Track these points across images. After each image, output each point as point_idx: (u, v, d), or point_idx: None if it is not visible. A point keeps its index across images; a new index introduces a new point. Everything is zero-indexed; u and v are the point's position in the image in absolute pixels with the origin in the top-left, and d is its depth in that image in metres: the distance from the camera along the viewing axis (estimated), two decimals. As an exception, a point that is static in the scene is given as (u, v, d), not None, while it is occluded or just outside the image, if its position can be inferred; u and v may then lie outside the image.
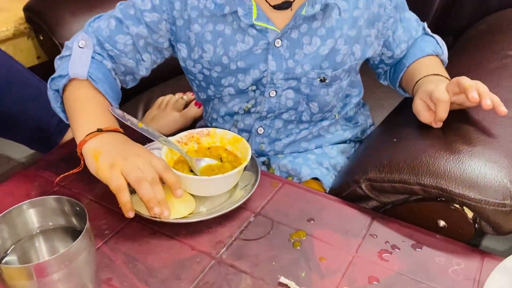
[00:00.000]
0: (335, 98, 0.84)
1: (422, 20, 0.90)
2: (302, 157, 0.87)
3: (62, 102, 0.75)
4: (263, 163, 0.88)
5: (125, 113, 0.71)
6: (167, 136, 0.72)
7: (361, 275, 0.60)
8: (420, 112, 0.74)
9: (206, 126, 0.89)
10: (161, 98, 1.16)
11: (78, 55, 0.73)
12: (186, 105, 1.14)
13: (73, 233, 0.53)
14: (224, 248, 0.63)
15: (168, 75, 1.29)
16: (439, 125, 0.72)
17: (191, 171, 0.70)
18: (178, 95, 1.15)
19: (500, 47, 0.95)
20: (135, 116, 1.18)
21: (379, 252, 0.63)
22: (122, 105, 1.24)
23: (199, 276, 0.59)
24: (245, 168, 0.72)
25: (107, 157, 0.63)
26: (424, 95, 0.74)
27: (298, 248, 0.63)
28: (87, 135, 0.65)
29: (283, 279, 0.58)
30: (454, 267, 0.61)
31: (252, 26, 0.74)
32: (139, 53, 0.78)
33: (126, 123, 0.70)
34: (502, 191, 0.62)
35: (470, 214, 0.64)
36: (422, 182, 0.65)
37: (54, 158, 0.80)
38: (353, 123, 0.93)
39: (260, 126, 0.85)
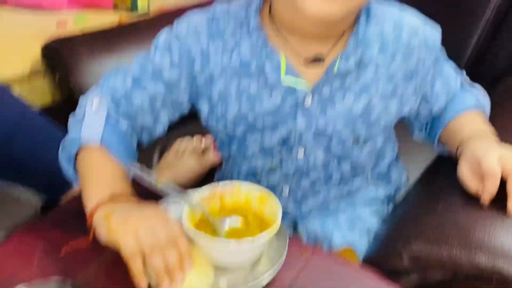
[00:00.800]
0: (369, 159, 0.77)
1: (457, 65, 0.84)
2: (332, 218, 0.80)
3: (75, 167, 0.69)
4: (289, 226, 0.81)
5: (143, 171, 0.65)
6: (185, 184, 0.65)
7: None
8: (468, 181, 0.67)
9: (226, 178, 0.83)
10: (178, 142, 1.10)
11: (91, 118, 0.68)
12: (204, 150, 1.09)
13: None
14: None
15: (188, 116, 1.25)
16: (486, 201, 0.64)
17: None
18: (197, 139, 1.10)
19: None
20: (151, 161, 1.13)
21: None
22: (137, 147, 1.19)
23: None
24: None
25: (120, 219, 0.57)
26: (473, 159, 0.67)
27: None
28: (98, 205, 0.59)
29: None
30: None
31: (281, 81, 0.68)
32: (156, 111, 0.72)
33: (144, 184, 0.63)
34: None
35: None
36: (476, 261, 0.58)
37: (60, 215, 0.74)
38: (386, 181, 0.86)
39: (286, 186, 0.78)
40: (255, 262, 0.63)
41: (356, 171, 0.78)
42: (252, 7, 0.67)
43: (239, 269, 0.62)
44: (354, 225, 0.79)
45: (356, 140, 0.72)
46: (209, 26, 0.69)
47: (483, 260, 0.57)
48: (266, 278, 0.59)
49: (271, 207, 0.64)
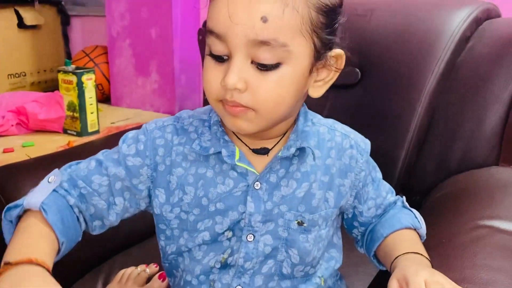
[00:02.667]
0: (316, 248, 0.80)
1: (388, 181, 0.90)
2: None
3: None
4: None
5: None
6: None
7: None
8: None
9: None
10: (122, 272, 1.08)
11: (41, 187, 0.72)
12: (149, 278, 1.07)
13: None
14: None
15: (131, 241, 1.23)
16: None
17: None
18: (141, 268, 1.09)
19: (469, 216, 0.94)
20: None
21: None
22: (80, 277, 1.15)
23: None
24: None
25: None
26: (402, 278, 0.70)
27: None
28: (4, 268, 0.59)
29: None
30: None
31: (233, 169, 0.76)
32: (113, 195, 0.76)
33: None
34: None
35: None
36: None
37: None
38: None
39: (239, 285, 0.79)
40: None
41: (305, 263, 0.80)
42: (214, 110, 0.76)
43: None
44: None
45: (301, 224, 0.78)
46: (174, 125, 0.79)
47: None
48: None
49: None
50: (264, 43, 0.63)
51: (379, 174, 0.88)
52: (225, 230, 0.77)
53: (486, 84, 1.18)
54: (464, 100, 1.20)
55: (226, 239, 0.78)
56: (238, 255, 0.78)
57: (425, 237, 0.87)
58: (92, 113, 1.57)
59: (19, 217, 0.70)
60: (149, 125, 0.79)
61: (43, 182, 0.73)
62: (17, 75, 1.93)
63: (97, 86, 1.94)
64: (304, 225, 0.78)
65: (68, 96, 1.54)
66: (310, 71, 0.69)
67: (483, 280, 0.74)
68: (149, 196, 0.79)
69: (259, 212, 0.76)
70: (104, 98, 2.07)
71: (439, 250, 0.84)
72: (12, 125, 1.53)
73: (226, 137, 0.76)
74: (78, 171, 0.76)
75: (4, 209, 0.72)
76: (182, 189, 0.77)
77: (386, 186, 0.89)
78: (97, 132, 1.60)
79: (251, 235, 0.77)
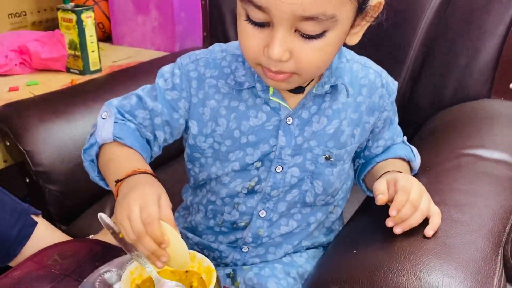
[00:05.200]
0: (338, 180, 0.85)
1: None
2: (269, 267, 0.86)
3: (99, 171, 0.79)
4: (228, 275, 0.86)
5: (111, 221, 0.71)
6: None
7: None
8: (383, 192, 0.74)
9: (190, 213, 0.89)
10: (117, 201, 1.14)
11: (102, 124, 0.79)
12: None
13: None
14: None
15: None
16: (392, 212, 0.71)
17: None
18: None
19: (455, 146, 0.98)
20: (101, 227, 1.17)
21: None
22: (87, 208, 1.22)
23: None
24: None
25: (120, 199, 0.65)
26: (390, 178, 0.76)
27: None
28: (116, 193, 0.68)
29: None
30: None
31: (266, 103, 0.79)
32: (154, 129, 0.82)
33: (109, 231, 0.70)
34: (461, 309, 0.61)
35: (432, 333, 0.63)
36: (382, 300, 0.64)
37: (7, 282, 0.77)
38: (330, 230, 0.93)
39: (263, 209, 0.84)
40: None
41: (327, 194, 0.85)
42: None
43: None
44: (289, 271, 0.86)
45: (328, 159, 0.82)
46: (207, 58, 0.81)
47: (387, 299, 0.64)
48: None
49: (210, 281, 0.69)
50: (311, 18, 0.60)
51: (397, 118, 0.91)
52: (255, 161, 0.81)
53: (481, 17, 1.18)
54: (459, 34, 1.21)
55: (254, 169, 0.82)
56: (265, 183, 0.82)
57: (416, 172, 0.92)
58: (93, 51, 1.58)
59: (97, 155, 0.79)
60: (183, 59, 0.81)
61: (99, 120, 0.80)
62: (17, 15, 1.92)
63: (97, 24, 1.94)
64: (331, 159, 0.82)
65: (68, 34, 1.55)
66: (352, 27, 0.69)
67: (459, 203, 0.79)
68: (187, 128, 0.84)
69: (289, 146, 0.80)
70: (106, 37, 2.07)
71: (423, 176, 0.89)
72: (16, 65, 1.55)
73: None
74: (122, 106, 0.82)
75: (82, 152, 0.81)
76: (215, 121, 0.80)
77: (398, 130, 0.92)
78: (99, 70, 1.61)
79: (279, 166, 0.81)
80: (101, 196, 1.23)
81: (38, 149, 1.13)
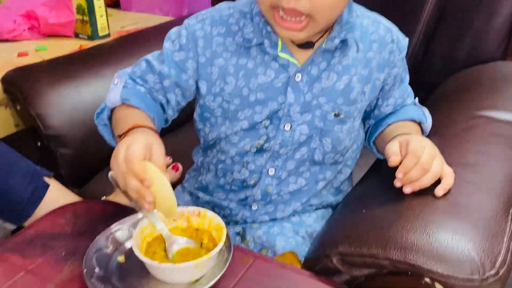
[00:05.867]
0: (348, 138, 0.85)
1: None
2: (278, 226, 0.86)
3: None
4: (238, 233, 0.87)
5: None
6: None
7: None
8: (396, 153, 0.73)
9: (201, 173, 0.90)
10: (138, 164, 1.15)
11: (112, 89, 0.82)
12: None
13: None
14: (191, 336, 0.61)
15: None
16: (399, 174, 0.71)
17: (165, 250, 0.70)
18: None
19: (467, 107, 0.97)
20: (113, 189, 1.18)
21: (350, 332, 0.62)
22: (99, 170, 1.24)
23: None
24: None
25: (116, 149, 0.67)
26: (403, 140, 0.75)
27: (268, 332, 0.62)
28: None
29: None
30: None
31: (275, 60, 0.78)
32: (165, 92, 0.83)
33: (116, 187, 0.71)
34: (470, 265, 0.62)
35: (441, 289, 0.63)
36: (391, 257, 0.65)
37: (22, 240, 0.79)
38: (338, 190, 0.93)
39: (272, 167, 0.85)
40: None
41: (336, 151, 0.84)
42: (255, 2, 0.77)
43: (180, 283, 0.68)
44: (298, 230, 0.86)
45: (337, 116, 0.81)
46: (213, 16, 0.81)
47: (396, 255, 0.64)
48: (207, 286, 0.66)
49: (220, 238, 0.70)
50: None
51: (407, 77, 0.90)
52: (264, 119, 0.81)
53: (499, -24, 1.15)
54: (476, -7, 1.18)
55: (263, 127, 0.82)
56: (274, 141, 0.82)
57: (427, 133, 0.90)
58: (101, 16, 1.57)
59: (110, 118, 0.81)
60: (190, 20, 0.82)
61: (111, 87, 0.82)
62: (24, -20, 1.91)
63: (105, -11, 1.91)
64: (341, 116, 0.82)
65: (76, -1, 1.54)
66: None
67: (471, 163, 0.79)
68: (197, 88, 0.84)
69: (298, 103, 0.80)
70: (114, 2, 2.04)
71: (435, 138, 0.88)
72: (24, 30, 1.55)
73: (269, 28, 0.76)
74: (134, 73, 0.83)
75: (94, 118, 0.84)
76: (223, 79, 0.80)
77: (408, 90, 0.91)
78: (107, 36, 1.60)
79: (288, 124, 0.81)
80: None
81: (49, 113, 1.14)
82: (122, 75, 0.83)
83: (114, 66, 1.28)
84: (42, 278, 0.70)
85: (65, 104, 1.16)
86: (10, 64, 1.24)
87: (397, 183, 0.72)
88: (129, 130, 0.71)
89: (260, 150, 0.83)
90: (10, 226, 1.21)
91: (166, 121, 0.86)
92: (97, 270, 0.69)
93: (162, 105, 0.83)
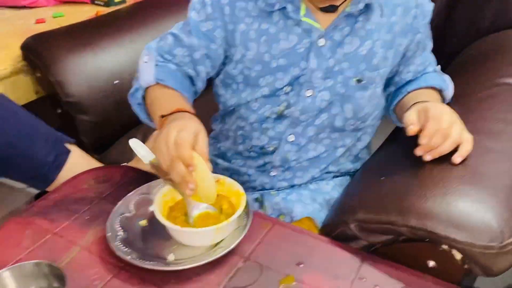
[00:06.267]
0: (370, 105, 0.84)
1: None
2: (295, 193, 0.87)
3: (148, 114, 0.82)
4: (256, 200, 0.89)
5: (144, 147, 0.73)
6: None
7: (349, 323, 0.60)
8: (414, 122, 0.72)
9: (219, 141, 0.91)
10: (156, 131, 1.16)
11: (144, 67, 0.81)
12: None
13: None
14: (213, 297, 0.63)
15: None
16: (423, 141, 0.70)
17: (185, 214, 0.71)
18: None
19: (490, 74, 0.94)
20: (131, 149, 1.19)
21: (367, 296, 0.63)
22: (119, 137, 1.25)
23: (186, 328, 0.59)
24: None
25: (159, 133, 0.67)
26: (421, 107, 0.74)
27: (287, 294, 0.63)
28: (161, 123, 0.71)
29: (270, 330, 0.58)
30: (443, 312, 0.61)
31: (298, 25, 0.77)
32: (195, 65, 0.83)
33: (139, 156, 0.72)
34: (489, 233, 0.62)
35: (458, 256, 0.64)
36: (409, 224, 0.65)
37: (47, 204, 0.81)
38: (357, 158, 0.93)
39: (291, 134, 0.85)
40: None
41: (357, 118, 0.83)
42: None
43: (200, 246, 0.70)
44: (316, 197, 0.87)
45: (359, 82, 0.80)
46: None
47: (414, 222, 0.65)
48: (227, 250, 0.67)
49: (239, 204, 0.71)
50: None
51: (431, 44, 0.88)
52: (285, 86, 0.81)
53: None
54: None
55: (284, 94, 0.81)
56: (295, 108, 0.82)
57: (448, 101, 0.89)
58: (117, -18, 1.56)
59: (143, 97, 0.81)
60: None
61: (141, 64, 0.82)
62: None
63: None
64: (363, 82, 0.81)
65: (92, -36, 1.53)
66: None
67: (493, 131, 0.78)
68: (226, 57, 0.83)
69: (320, 69, 0.79)
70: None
71: (456, 106, 0.87)
72: (41, -4, 1.55)
73: None
74: (161, 48, 0.82)
75: (128, 98, 0.84)
76: (244, 46, 0.80)
77: (430, 57, 0.89)
78: (123, 1, 1.59)
79: (310, 90, 0.80)
80: (132, 126, 1.25)
81: (68, 79, 1.15)
82: (150, 52, 0.82)
83: (131, 33, 1.28)
84: (68, 241, 0.73)
85: (84, 71, 1.17)
86: (29, 31, 1.24)
87: (418, 152, 0.71)
88: (173, 112, 0.71)
89: (280, 117, 0.83)
90: (34, 191, 1.24)
91: (196, 93, 0.86)
92: (120, 233, 0.71)
93: (191, 78, 0.83)
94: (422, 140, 0.70)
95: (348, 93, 0.81)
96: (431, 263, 0.67)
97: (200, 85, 0.85)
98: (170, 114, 0.71)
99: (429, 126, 0.70)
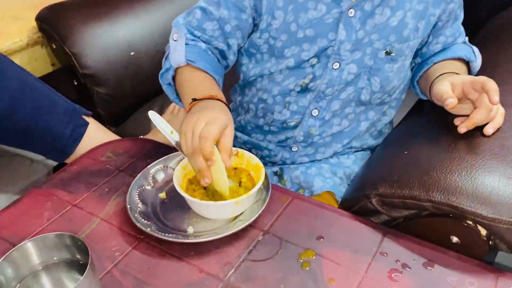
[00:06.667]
0: (397, 78, 0.81)
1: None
2: (315, 167, 0.86)
3: (177, 94, 0.80)
4: (275, 173, 0.88)
5: (162, 120, 0.73)
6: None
7: (370, 298, 0.59)
8: (452, 95, 0.69)
9: (239, 113, 0.90)
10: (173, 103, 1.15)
11: (174, 46, 0.78)
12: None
13: (78, 266, 0.53)
14: (232, 270, 0.63)
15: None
16: (495, 101, 0.66)
17: (205, 188, 0.71)
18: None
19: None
20: (148, 122, 1.19)
21: (389, 271, 0.62)
22: (136, 109, 1.25)
23: (207, 300, 0.59)
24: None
25: (186, 118, 0.66)
26: (457, 80, 0.71)
27: (307, 268, 0.63)
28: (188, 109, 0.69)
29: (290, 303, 0.58)
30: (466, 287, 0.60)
31: None
32: (226, 37, 0.80)
33: (159, 128, 0.72)
34: (516, 209, 0.60)
35: (483, 231, 0.63)
36: (433, 199, 0.64)
37: (66, 176, 0.81)
38: (379, 133, 0.91)
39: (315, 108, 0.83)
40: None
41: (384, 92, 0.81)
42: None
43: (220, 219, 0.70)
44: (336, 171, 0.86)
45: (389, 54, 0.78)
46: None
47: (439, 197, 0.63)
48: (247, 223, 0.67)
49: (259, 177, 0.70)
50: None
51: (462, 15, 0.84)
52: (311, 57, 0.78)
53: None
54: None
55: (309, 66, 0.79)
56: (320, 81, 0.79)
57: (475, 73, 0.86)
58: (131, -50, 1.53)
59: (173, 78, 0.79)
60: None
61: (171, 43, 0.79)
62: None
63: None
64: (392, 54, 0.78)
65: None
66: None
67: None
68: (255, 25, 0.80)
69: (349, 40, 0.76)
70: None
71: (485, 76, 0.84)
72: (55, -34, 1.53)
73: None
74: (189, 23, 0.79)
75: (159, 77, 0.81)
76: (271, 14, 0.77)
77: (460, 29, 0.85)
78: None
79: (337, 63, 0.78)
80: (149, 99, 1.24)
81: (84, 51, 1.13)
82: (179, 29, 0.79)
83: (147, 3, 1.26)
84: (88, 212, 0.73)
85: (100, 42, 1.16)
86: (44, 2, 1.22)
87: (462, 129, 0.69)
88: (205, 98, 0.69)
89: (304, 90, 0.81)
90: (53, 163, 1.25)
91: (227, 67, 0.84)
92: (140, 205, 0.71)
93: (222, 52, 0.81)
94: (489, 129, 0.69)
95: (376, 66, 0.78)
96: (455, 239, 0.65)
97: (232, 57, 0.82)
98: (202, 99, 0.69)
99: (493, 86, 0.67)
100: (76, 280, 0.55)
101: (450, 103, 0.69)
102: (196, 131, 0.63)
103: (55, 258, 0.55)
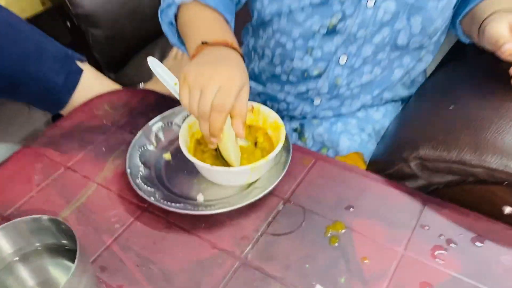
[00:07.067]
0: (441, 18, 0.69)
1: None
2: (341, 122, 0.75)
3: (179, 35, 0.68)
4: (295, 130, 0.77)
5: (164, 69, 0.62)
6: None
7: (411, 280, 0.51)
8: (506, 37, 0.58)
9: (252, 60, 0.79)
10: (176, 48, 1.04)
11: None
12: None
13: (65, 252, 0.45)
14: (250, 246, 0.55)
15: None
16: None
17: (216, 149, 0.61)
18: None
19: None
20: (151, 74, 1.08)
21: (432, 248, 0.53)
22: (136, 53, 1.14)
23: (221, 282, 0.51)
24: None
25: (192, 67, 0.54)
26: None
27: (336, 244, 0.54)
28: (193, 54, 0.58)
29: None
30: (523, 268, 0.51)
31: None
32: None
33: (160, 79, 0.61)
34: None
35: (545, 203, 0.53)
36: (487, 165, 0.54)
37: (58, 133, 0.72)
38: (412, 83, 0.79)
39: (344, 54, 0.70)
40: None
41: (424, 34, 0.69)
42: None
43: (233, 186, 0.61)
44: (364, 127, 0.76)
45: None
46: None
47: (493, 162, 0.53)
48: (266, 191, 0.58)
49: (278, 137, 0.61)
50: None
51: None
52: None
53: None
54: None
55: (338, 2, 0.66)
56: (351, 21, 0.67)
57: None
58: None
59: (176, 16, 0.66)
60: None
61: None
62: None
63: None
64: None
65: None
66: None
67: None
68: None
69: None
70: None
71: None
72: None
73: None
74: None
75: (159, 15, 0.68)
76: None
77: None
78: None
79: (372, 0, 0.65)
80: (149, 41, 1.13)
81: (76, -13, 1.01)
82: None
83: None
84: (83, 176, 0.64)
85: (93, -23, 1.03)
86: None
87: None
88: (218, 44, 0.57)
89: (331, 32, 0.68)
90: (47, 114, 1.15)
91: (238, 4, 0.71)
92: (141, 169, 0.62)
93: None
94: None
95: (418, 3, 0.65)
96: (508, 210, 0.56)
97: None
98: (214, 45, 0.57)
99: None
100: (64, 266, 0.47)
101: (508, 49, 0.57)
102: (207, 95, 0.51)
103: (37, 245, 0.46)
